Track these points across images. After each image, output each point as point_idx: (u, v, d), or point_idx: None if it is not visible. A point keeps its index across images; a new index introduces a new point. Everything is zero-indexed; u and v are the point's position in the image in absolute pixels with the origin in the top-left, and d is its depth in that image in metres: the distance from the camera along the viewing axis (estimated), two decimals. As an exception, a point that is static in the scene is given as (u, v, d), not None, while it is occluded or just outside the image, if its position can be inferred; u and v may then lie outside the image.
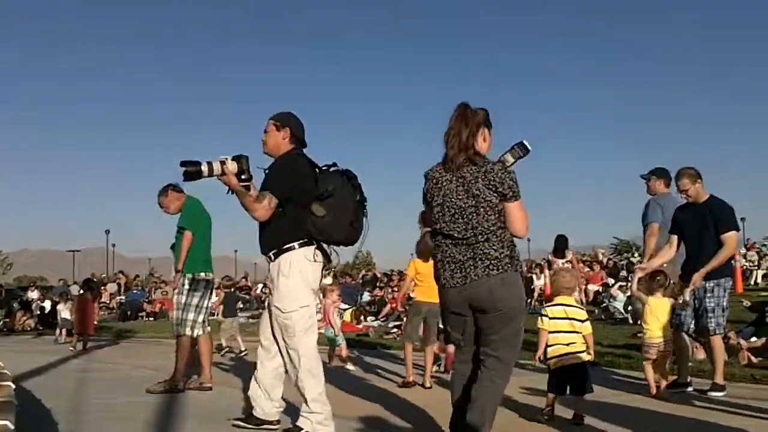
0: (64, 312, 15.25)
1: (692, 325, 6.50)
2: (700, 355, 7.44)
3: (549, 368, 5.26)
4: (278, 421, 4.78)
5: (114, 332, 16.83)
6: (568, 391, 5.17)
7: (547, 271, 19.09)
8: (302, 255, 4.51)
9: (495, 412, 3.92)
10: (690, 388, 6.38)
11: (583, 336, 5.21)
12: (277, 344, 4.65)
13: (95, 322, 14.04)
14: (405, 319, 8.36)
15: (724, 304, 6.34)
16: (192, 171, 4.40)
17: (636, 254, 40.63)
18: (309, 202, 4.50)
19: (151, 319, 23.06)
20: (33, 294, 23.55)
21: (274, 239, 4.60)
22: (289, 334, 4.52)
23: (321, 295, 9.47)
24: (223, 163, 4.41)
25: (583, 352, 5.18)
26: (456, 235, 3.90)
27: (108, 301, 29.59)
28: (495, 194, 3.85)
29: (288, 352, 4.58)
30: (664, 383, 6.12)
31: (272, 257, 4.59)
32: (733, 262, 7.20)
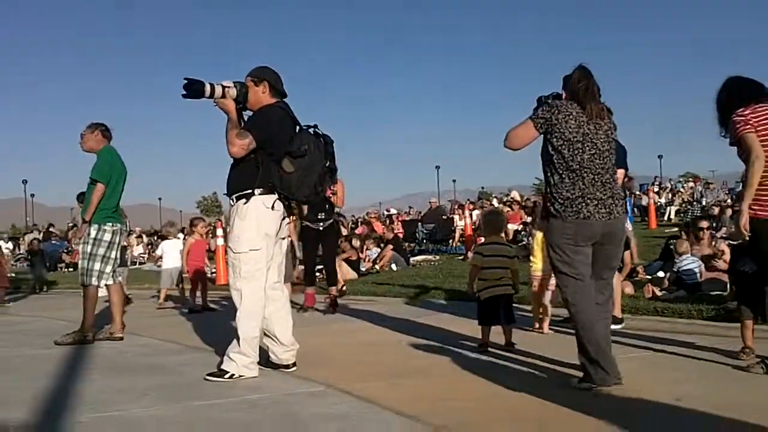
0: None
1: None
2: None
3: (479, 301, 5.58)
4: (294, 364, 4.89)
5: (32, 284, 16.37)
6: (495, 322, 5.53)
7: (468, 212, 19.45)
8: (261, 201, 4.67)
9: None
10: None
11: (511, 271, 5.58)
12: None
13: (8, 275, 13.52)
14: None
15: None
16: (196, 88, 4.59)
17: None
18: (280, 156, 4.65)
19: (71, 270, 22.51)
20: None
21: (238, 183, 4.74)
22: (235, 275, 4.71)
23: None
24: (225, 87, 4.65)
25: (507, 285, 5.56)
26: (593, 174, 4.14)
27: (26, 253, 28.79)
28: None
29: (232, 292, 4.76)
30: (546, 320, 6.32)
31: (233, 200, 4.76)
32: (629, 198, 7.42)
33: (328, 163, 4.81)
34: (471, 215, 19.39)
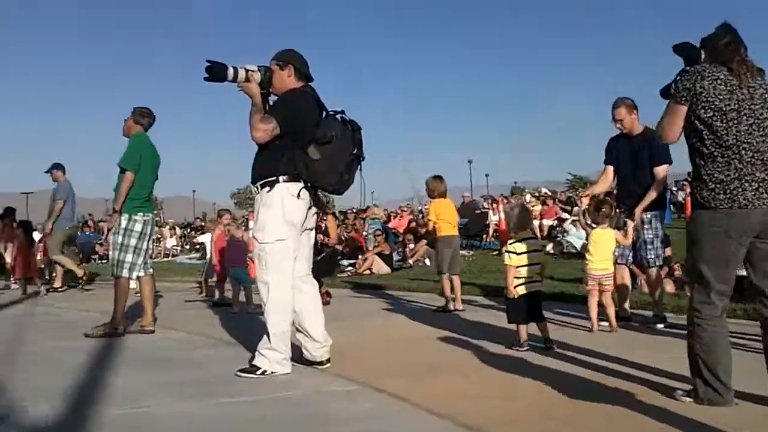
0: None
1: (630, 258, 6.52)
2: (645, 287, 7.44)
3: (511, 299, 5.43)
4: (328, 360, 4.76)
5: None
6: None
7: (502, 207, 19.20)
8: (286, 189, 4.52)
9: None
10: (632, 322, 6.40)
11: (541, 265, 5.49)
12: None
13: (40, 266, 13.45)
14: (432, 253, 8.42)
15: (661, 235, 6.37)
16: (218, 71, 4.51)
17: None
18: (306, 142, 4.50)
19: (104, 261, 22.64)
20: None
21: (263, 170, 4.60)
22: (261, 266, 4.57)
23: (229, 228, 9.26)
24: (249, 71, 4.55)
25: (541, 282, 5.47)
26: (753, 150, 3.46)
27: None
28: None
29: (259, 285, 4.62)
30: (612, 317, 6.08)
31: (258, 188, 4.61)
32: (666, 194, 7.20)
33: (355, 150, 4.66)
34: (505, 210, 19.18)
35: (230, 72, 4.54)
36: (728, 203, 3.44)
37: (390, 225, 19.43)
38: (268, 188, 4.54)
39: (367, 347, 5.66)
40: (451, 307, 7.77)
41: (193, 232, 27.78)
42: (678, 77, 3.66)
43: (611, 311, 6.09)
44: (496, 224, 18.66)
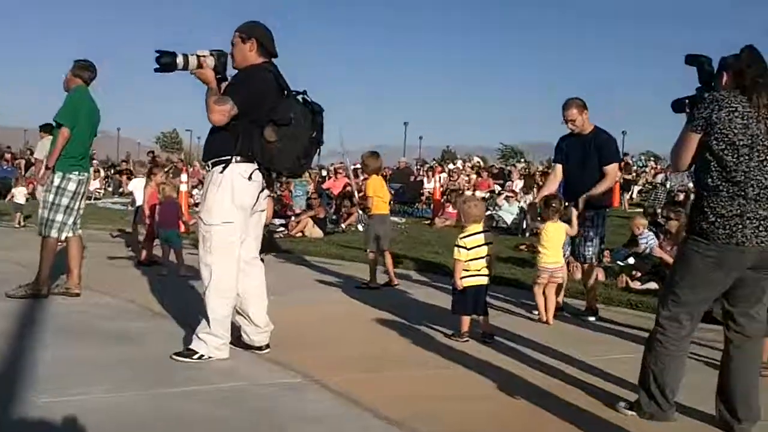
0: None
1: (568, 251, 6.64)
2: (577, 275, 7.51)
3: (456, 291, 5.42)
4: (267, 346, 4.62)
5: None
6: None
7: (437, 175, 19.26)
8: (238, 170, 4.33)
9: None
10: (564, 312, 6.51)
11: (489, 258, 5.46)
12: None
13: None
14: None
15: (602, 233, 6.44)
16: (166, 62, 4.32)
17: (522, 160, 41.84)
18: (264, 123, 4.31)
19: (28, 200, 21.34)
20: None
21: (216, 149, 4.42)
22: (205, 248, 4.39)
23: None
24: (200, 57, 4.36)
25: (488, 274, 5.47)
26: (760, 187, 3.35)
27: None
28: None
29: (201, 267, 4.44)
30: (552, 308, 6.15)
31: (209, 166, 4.45)
32: (610, 194, 7.28)
33: (315, 134, 4.50)
34: (440, 178, 19.23)
35: (180, 60, 4.32)
36: (726, 239, 3.37)
37: (324, 186, 19.24)
38: (220, 168, 4.34)
39: (303, 329, 5.51)
40: (375, 284, 7.76)
41: (117, 175, 26.84)
42: (696, 100, 3.60)
43: (552, 304, 6.15)
44: (429, 192, 18.76)
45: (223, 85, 4.47)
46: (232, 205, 4.33)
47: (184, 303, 5.88)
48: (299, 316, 5.94)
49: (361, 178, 18.84)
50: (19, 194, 14.53)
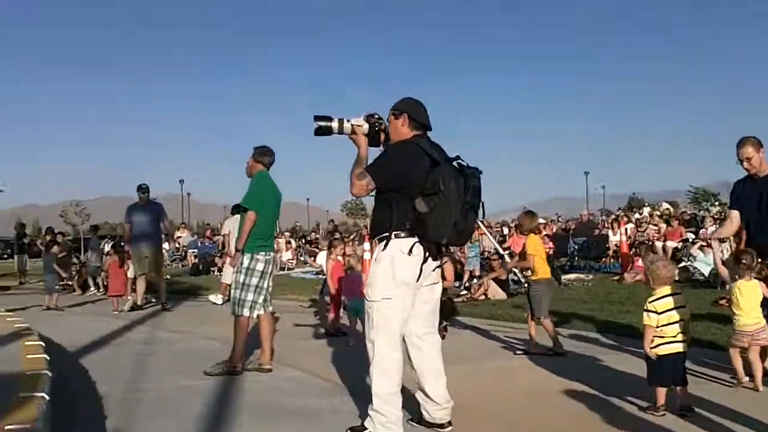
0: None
1: None
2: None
3: (651, 360, 5.06)
4: (449, 423, 4.57)
5: (185, 288, 16.80)
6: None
7: (623, 227, 18.41)
8: (397, 245, 4.35)
9: None
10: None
11: (685, 322, 5.09)
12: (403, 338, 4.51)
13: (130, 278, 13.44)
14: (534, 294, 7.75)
15: None
16: (323, 126, 4.62)
17: (716, 203, 39.14)
18: (414, 196, 4.33)
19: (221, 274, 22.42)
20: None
21: (376, 225, 4.52)
22: (368, 324, 4.41)
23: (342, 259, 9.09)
24: (355, 125, 4.62)
25: (684, 340, 5.05)
26: None
27: (178, 250, 29.40)
28: None
29: (366, 343, 4.45)
30: (759, 374, 5.55)
31: (377, 242, 4.51)
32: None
33: (469, 197, 4.38)
34: (626, 230, 18.37)
35: (334, 125, 4.61)
36: None
37: (505, 245, 18.93)
38: (383, 245, 4.40)
39: (488, 402, 5.36)
40: (562, 349, 7.34)
41: (308, 245, 27.92)
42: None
43: (758, 368, 5.57)
44: (616, 245, 17.91)
45: (374, 152, 4.61)
46: (393, 281, 4.32)
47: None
48: (483, 387, 5.80)
49: (509, 240, 18.35)
50: (227, 272, 15.14)
